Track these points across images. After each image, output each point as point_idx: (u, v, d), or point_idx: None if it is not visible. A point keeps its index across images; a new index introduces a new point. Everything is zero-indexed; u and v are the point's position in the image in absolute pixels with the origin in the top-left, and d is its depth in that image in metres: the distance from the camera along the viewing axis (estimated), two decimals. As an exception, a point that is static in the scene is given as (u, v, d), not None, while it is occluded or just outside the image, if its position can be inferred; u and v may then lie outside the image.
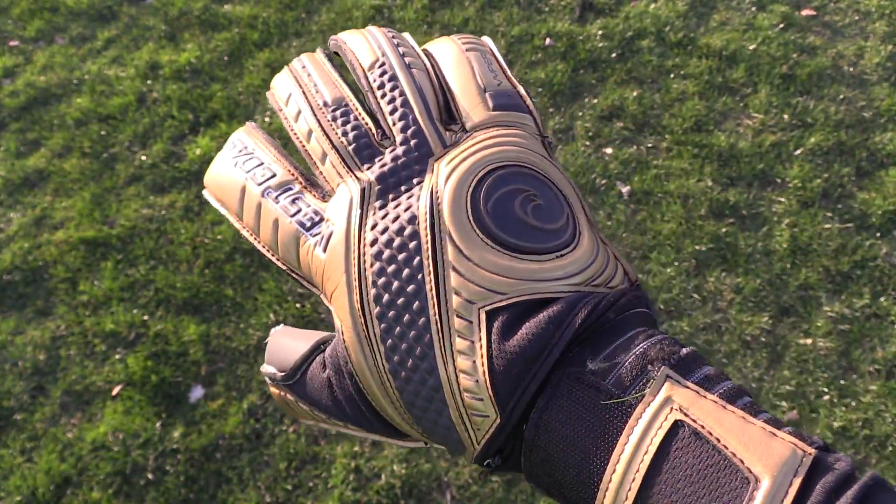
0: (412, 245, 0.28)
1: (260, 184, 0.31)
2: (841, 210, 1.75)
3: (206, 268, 1.75)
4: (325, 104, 0.32)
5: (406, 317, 0.28)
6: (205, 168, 1.96)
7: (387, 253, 0.28)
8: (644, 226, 1.75)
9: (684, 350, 0.26)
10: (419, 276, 0.28)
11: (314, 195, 0.31)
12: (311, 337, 0.33)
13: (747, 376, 1.49)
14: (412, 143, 0.30)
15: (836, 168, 1.82)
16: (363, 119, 0.31)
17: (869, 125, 1.91)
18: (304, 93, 0.33)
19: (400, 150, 0.30)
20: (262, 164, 0.32)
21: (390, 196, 0.29)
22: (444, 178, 0.29)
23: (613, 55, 2.15)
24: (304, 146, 0.32)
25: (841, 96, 1.98)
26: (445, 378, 0.27)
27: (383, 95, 0.31)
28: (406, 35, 0.34)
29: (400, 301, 0.28)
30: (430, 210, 0.28)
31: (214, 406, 1.51)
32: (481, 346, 0.26)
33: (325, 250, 0.29)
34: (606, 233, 1.74)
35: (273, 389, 0.34)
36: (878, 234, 1.70)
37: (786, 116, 1.95)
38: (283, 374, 0.32)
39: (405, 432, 0.31)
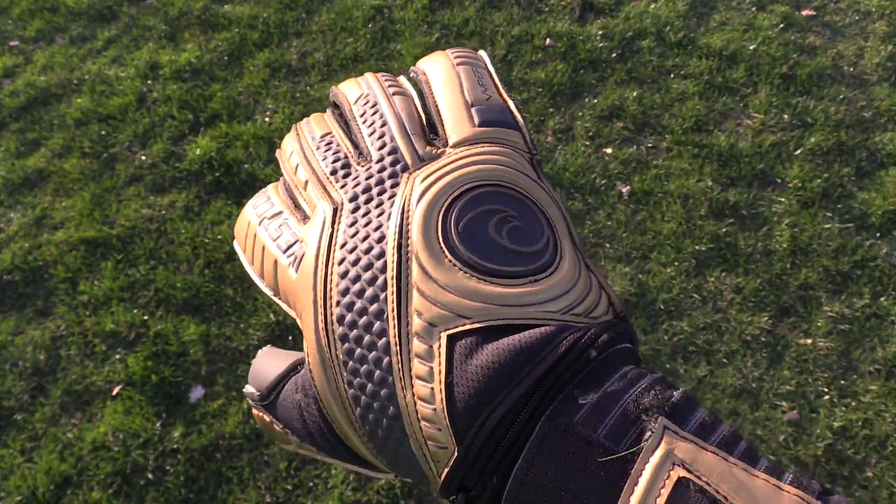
0: (378, 263, 0.27)
1: (259, 216, 0.32)
2: (841, 210, 1.75)
3: (206, 268, 1.75)
4: (312, 139, 0.33)
5: (367, 338, 0.26)
6: (205, 168, 1.96)
7: (353, 271, 0.27)
8: (644, 226, 1.75)
9: (676, 393, 0.24)
10: (382, 296, 0.27)
11: (298, 220, 0.31)
12: (293, 357, 0.32)
13: (747, 376, 1.49)
14: (387, 159, 0.30)
15: (836, 168, 1.82)
16: (345, 145, 0.32)
17: (869, 125, 1.91)
18: (297, 135, 0.33)
19: (375, 167, 0.30)
20: (269, 198, 0.33)
21: (361, 214, 0.29)
22: (418, 196, 0.28)
23: (613, 55, 2.15)
24: (292, 179, 0.32)
25: (841, 96, 1.98)
26: (404, 406, 0.25)
27: (364, 121, 0.32)
28: (402, 78, 0.34)
29: (362, 321, 0.27)
30: (399, 228, 0.28)
31: (214, 406, 1.51)
32: (440, 372, 0.25)
33: (296, 270, 0.29)
34: (606, 233, 1.74)
35: (254, 410, 0.33)
36: (878, 234, 1.70)
37: (786, 116, 1.95)
38: (259, 393, 0.32)
39: (371, 462, 0.29)
